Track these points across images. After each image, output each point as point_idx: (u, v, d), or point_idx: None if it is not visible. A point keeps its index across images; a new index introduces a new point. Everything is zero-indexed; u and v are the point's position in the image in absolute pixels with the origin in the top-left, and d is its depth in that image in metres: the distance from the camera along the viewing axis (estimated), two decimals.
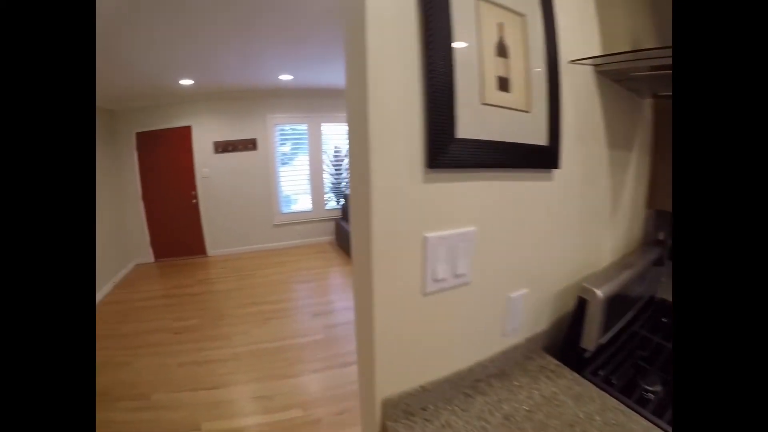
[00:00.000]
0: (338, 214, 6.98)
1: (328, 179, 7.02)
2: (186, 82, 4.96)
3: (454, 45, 0.83)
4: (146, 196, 6.19)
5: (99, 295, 5.01)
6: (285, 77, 5.22)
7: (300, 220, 6.94)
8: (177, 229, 6.41)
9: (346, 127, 0.91)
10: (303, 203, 6.99)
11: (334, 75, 5.19)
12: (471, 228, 0.98)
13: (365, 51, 0.75)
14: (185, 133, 6.11)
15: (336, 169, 7.06)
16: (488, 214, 1.02)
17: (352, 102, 0.86)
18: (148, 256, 6.39)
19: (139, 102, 5.76)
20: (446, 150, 0.86)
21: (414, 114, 0.83)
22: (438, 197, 0.91)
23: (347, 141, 0.93)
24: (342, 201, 6.86)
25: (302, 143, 6.82)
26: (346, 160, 7.27)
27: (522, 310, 1.17)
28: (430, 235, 0.91)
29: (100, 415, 2.83)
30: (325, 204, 7.04)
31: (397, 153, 0.82)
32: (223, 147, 6.27)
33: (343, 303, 4.62)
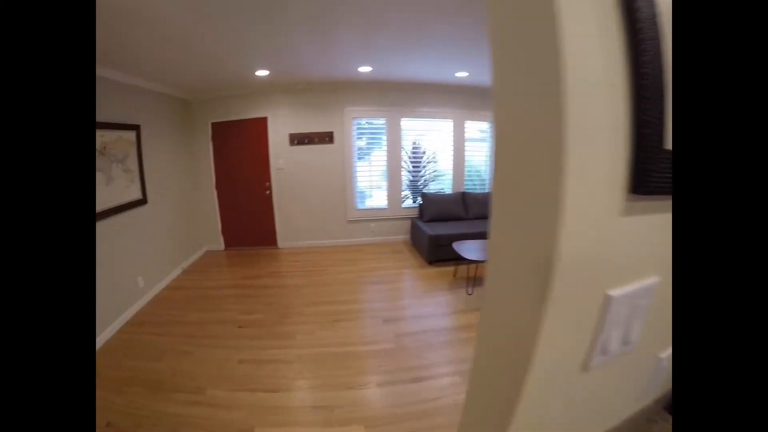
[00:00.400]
0: (414, 213, 6.57)
1: (405, 176, 6.64)
2: (262, 72, 4.83)
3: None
4: (219, 185, 6.21)
5: (168, 279, 5.02)
6: (364, 69, 4.93)
7: (375, 218, 6.61)
8: (249, 219, 6.36)
9: (494, 134, 0.62)
10: (378, 200, 6.66)
11: (414, 66, 4.87)
12: (654, 279, 0.69)
13: (554, 23, 0.46)
14: (261, 124, 6.02)
15: (414, 167, 6.66)
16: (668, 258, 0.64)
17: (518, 98, 0.56)
18: (219, 243, 6.42)
19: (215, 92, 5.80)
20: (656, 167, 0.57)
21: (618, 115, 0.54)
22: (631, 236, 0.63)
23: (494, 152, 0.63)
24: (419, 200, 6.45)
25: (378, 138, 6.51)
26: (426, 157, 7.03)
27: (666, 368, 0.87)
28: (616, 293, 0.63)
29: (154, 405, 2.69)
30: (402, 202, 6.65)
31: (596, 173, 0.54)
32: (299, 139, 6.11)
33: (416, 310, 4.21)
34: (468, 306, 4.27)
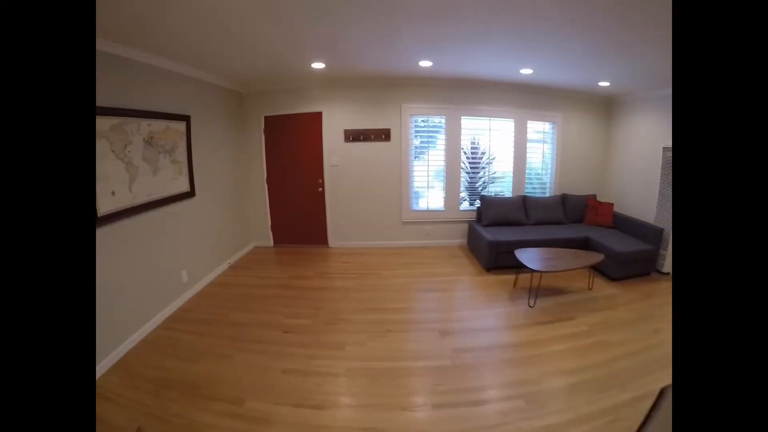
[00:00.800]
0: (472, 216, 6.13)
1: (463, 178, 6.22)
2: (318, 65, 4.55)
3: None
4: (271, 180, 6.02)
5: (213, 275, 4.88)
6: (424, 63, 4.55)
7: (431, 220, 6.21)
8: (299, 216, 6.13)
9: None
10: (435, 201, 6.25)
11: (477, 62, 4.46)
12: None
13: None
14: (315, 119, 5.80)
15: (473, 167, 6.23)
16: None
17: None
18: (268, 239, 6.24)
19: (270, 86, 5.64)
20: None
21: None
22: None
23: None
24: (477, 203, 6.00)
25: (435, 136, 6.13)
26: (485, 158, 6.58)
27: None
28: None
29: (189, 413, 2.48)
30: (459, 204, 6.23)
31: None
32: (354, 136, 5.84)
33: (474, 323, 3.80)
34: (530, 320, 3.85)
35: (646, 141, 5.77)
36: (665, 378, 2.83)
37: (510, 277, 4.86)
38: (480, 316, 3.95)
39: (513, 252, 4.62)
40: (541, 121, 6.25)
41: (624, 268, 4.94)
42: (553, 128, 6.37)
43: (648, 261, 5.15)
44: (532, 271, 4.15)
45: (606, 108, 6.59)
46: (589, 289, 4.69)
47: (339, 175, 5.95)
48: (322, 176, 5.94)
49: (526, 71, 4.84)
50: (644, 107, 5.82)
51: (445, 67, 4.78)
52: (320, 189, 5.97)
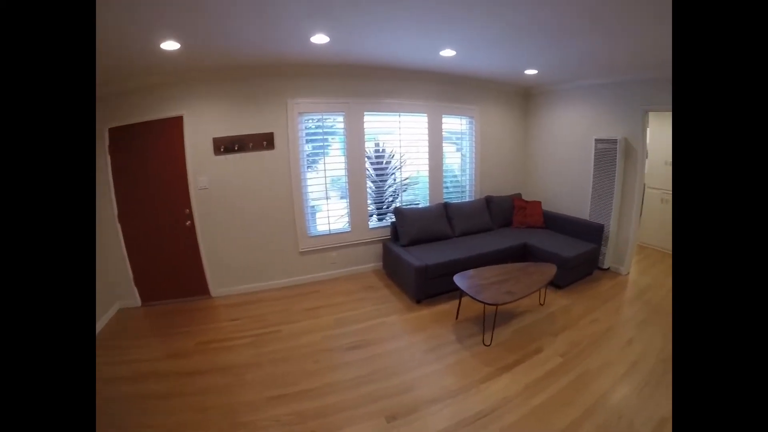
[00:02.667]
0: (385, 233, 5.13)
1: (370, 188, 5.16)
2: (170, 45, 3.14)
3: None
4: (125, 218, 4.32)
5: None
6: (318, 39, 3.36)
7: (336, 244, 5.02)
8: (168, 261, 4.52)
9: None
10: (338, 221, 5.08)
11: (385, 40, 3.48)
12: None
13: None
14: (175, 126, 4.25)
15: (380, 175, 5.20)
16: None
17: None
18: (134, 298, 4.51)
19: (112, 85, 3.95)
20: None
21: None
22: None
23: None
24: (391, 217, 5.01)
25: (332, 139, 4.97)
26: (394, 162, 5.38)
27: None
28: None
29: None
30: (368, 220, 5.15)
31: None
32: (227, 146, 4.41)
33: (429, 389, 2.86)
34: (493, 365, 3.09)
35: (575, 133, 5.38)
36: (662, 400, 2.64)
37: (447, 307, 4.04)
38: (430, 376, 3.01)
39: (446, 276, 3.91)
40: (458, 115, 5.47)
41: (572, 274, 4.49)
42: (470, 123, 5.62)
43: (592, 261, 4.85)
44: (486, 304, 3.33)
45: (524, 100, 6.12)
46: (541, 305, 4.12)
47: (211, 201, 4.46)
48: (189, 204, 4.40)
49: (448, 53, 3.92)
50: (568, 98, 5.41)
51: (347, 46, 3.66)
52: (188, 222, 4.43)
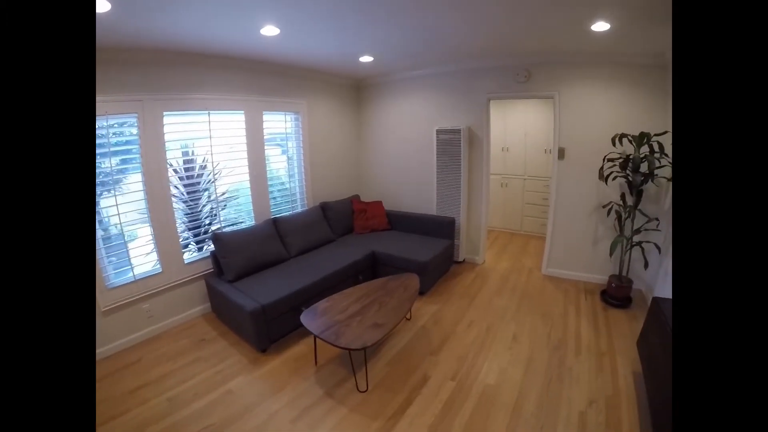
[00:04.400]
0: (206, 266, 4.04)
1: (180, 210, 3.98)
2: None
3: None
4: None
5: None
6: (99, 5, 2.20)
7: (147, 292, 3.69)
8: None
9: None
10: (144, 262, 3.76)
11: (188, 12, 2.55)
12: None
13: None
14: None
15: (191, 192, 4.06)
16: None
17: None
18: None
19: None
20: None
21: None
22: None
23: None
24: (210, 246, 3.97)
25: (122, 151, 3.54)
26: (208, 174, 3.79)
27: None
28: None
29: None
30: (183, 253, 3.98)
31: None
32: None
33: None
34: (381, 418, 2.50)
35: (415, 125, 5.10)
36: (572, 393, 2.63)
37: (301, 348, 3.39)
38: None
39: (291, 312, 3.32)
40: (282, 111, 4.63)
41: (432, 276, 4.19)
42: (296, 120, 4.82)
43: (449, 257, 4.67)
44: (352, 350, 2.69)
45: (357, 92, 5.55)
46: (408, 320, 3.68)
47: None
48: None
49: (271, 31, 3.04)
50: (407, 89, 5.08)
51: (135, 20, 2.55)
52: None
